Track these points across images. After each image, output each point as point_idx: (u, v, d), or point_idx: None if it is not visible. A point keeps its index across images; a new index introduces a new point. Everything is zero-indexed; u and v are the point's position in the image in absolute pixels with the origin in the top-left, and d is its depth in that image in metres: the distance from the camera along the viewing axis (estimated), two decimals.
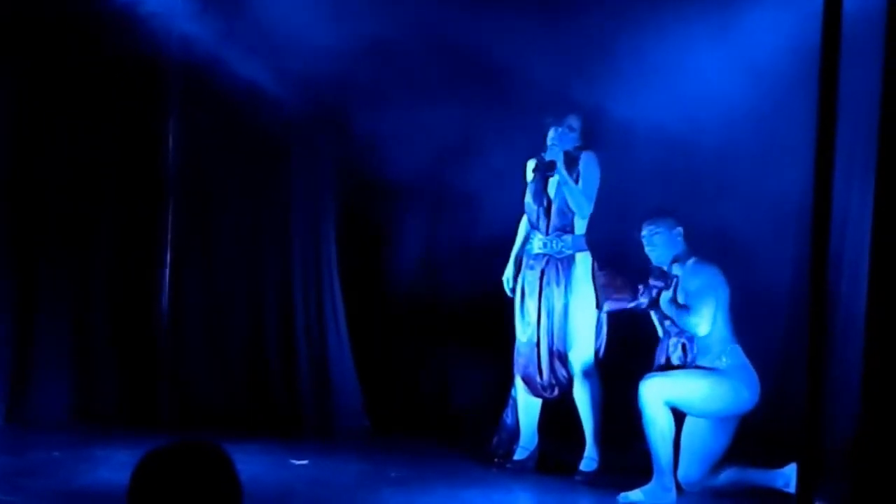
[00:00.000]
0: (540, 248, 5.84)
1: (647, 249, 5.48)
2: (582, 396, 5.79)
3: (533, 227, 5.91)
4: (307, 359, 6.88)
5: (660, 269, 5.43)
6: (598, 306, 5.67)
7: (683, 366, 5.36)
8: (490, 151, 6.20)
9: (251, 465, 5.38)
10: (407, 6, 5.88)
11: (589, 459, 5.80)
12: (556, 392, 5.83)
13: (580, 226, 5.81)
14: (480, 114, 6.11)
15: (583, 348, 5.78)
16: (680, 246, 5.44)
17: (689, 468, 5.42)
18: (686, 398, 5.29)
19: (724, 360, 5.33)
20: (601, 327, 5.77)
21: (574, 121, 5.79)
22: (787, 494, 5.07)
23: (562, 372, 5.79)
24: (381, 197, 6.87)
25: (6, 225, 6.64)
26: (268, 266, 6.96)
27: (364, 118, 6.37)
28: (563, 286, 5.75)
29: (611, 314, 5.70)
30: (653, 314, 5.54)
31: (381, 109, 6.32)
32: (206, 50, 6.10)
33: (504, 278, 6.03)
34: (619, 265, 5.70)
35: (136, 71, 6.57)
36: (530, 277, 5.85)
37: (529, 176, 5.96)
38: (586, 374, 5.78)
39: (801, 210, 5.75)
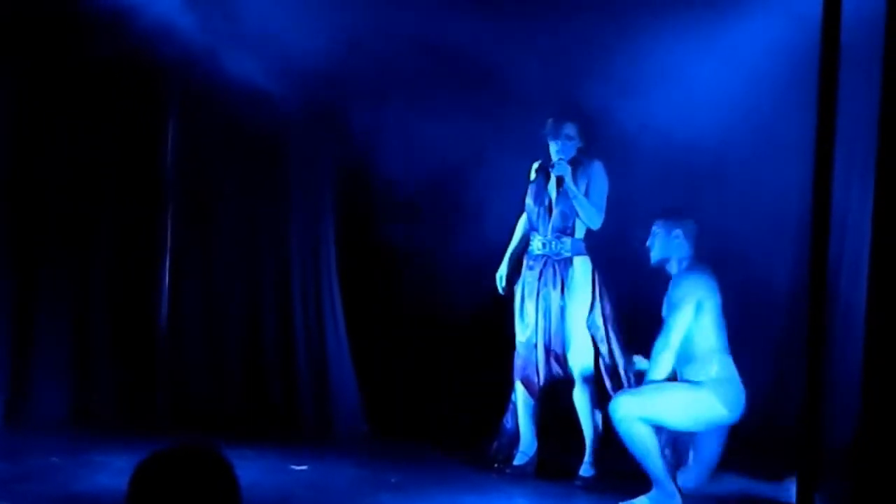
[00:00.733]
0: (539, 250, 5.85)
1: (648, 244, 5.47)
2: (582, 402, 5.78)
3: (533, 227, 5.91)
4: (306, 362, 6.87)
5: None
6: None
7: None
8: (489, 153, 6.20)
9: (250, 469, 5.37)
10: (407, 7, 5.87)
11: (589, 464, 5.79)
12: (553, 396, 5.83)
13: (580, 229, 5.81)
14: (480, 116, 6.10)
15: (581, 352, 5.77)
16: (677, 250, 5.42)
17: (685, 476, 5.39)
18: (659, 415, 5.18)
19: (710, 371, 5.25)
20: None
21: (570, 129, 5.80)
22: None
23: (557, 370, 5.78)
24: (381, 199, 6.86)
25: (5, 226, 6.63)
26: (266, 269, 6.95)
27: (363, 119, 6.37)
28: (560, 288, 5.75)
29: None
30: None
31: (381, 111, 6.32)
32: (206, 51, 6.09)
33: (497, 276, 6.04)
34: (618, 269, 5.71)
35: (136, 72, 6.56)
36: (529, 278, 5.86)
37: (532, 176, 5.96)
38: (586, 379, 5.77)
39: (800, 212, 5.74)
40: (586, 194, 5.75)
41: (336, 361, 6.88)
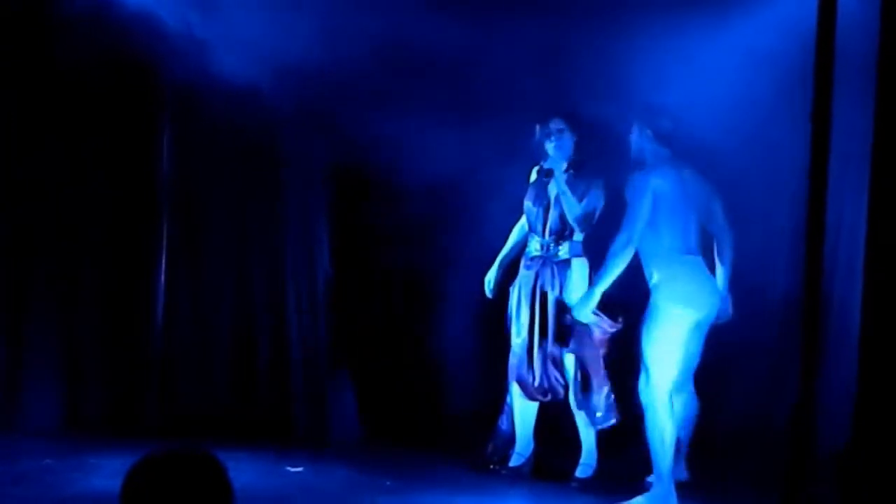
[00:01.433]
0: (537, 251, 5.84)
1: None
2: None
3: (531, 229, 5.91)
4: (300, 366, 6.86)
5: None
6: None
7: None
8: (484, 154, 6.19)
9: (244, 472, 5.37)
10: (401, 11, 5.87)
11: (585, 466, 5.79)
12: (548, 397, 5.82)
13: (578, 231, 5.81)
14: (476, 118, 6.09)
15: None
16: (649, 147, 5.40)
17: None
18: (660, 365, 5.19)
19: (667, 271, 5.24)
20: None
21: (557, 123, 5.78)
22: None
23: (555, 374, 5.77)
24: (375, 203, 6.85)
25: None
26: (260, 272, 6.93)
27: (357, 124, 6.36)
28: (558, 290, 5.75)
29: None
30: None
31: (375, 115, 6.31)
32: (198, 52, 6.08)
33: (486, 279, 6.04)
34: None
35: (128, 73, 6.55)
36: (526, 279, 5.85)
37: (532, 178, 5.97)
38: None
39: (795, 216, 5.73)
40: (581, 200, 5.74)
41: (330, 364, 6.87)
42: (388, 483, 5.75)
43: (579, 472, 5.78)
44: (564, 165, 5.77)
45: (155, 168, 6.81)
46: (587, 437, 5.79)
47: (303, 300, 6.88)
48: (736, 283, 5.54)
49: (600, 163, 5.81)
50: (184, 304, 6.91)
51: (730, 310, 5.46)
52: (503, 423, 6.03)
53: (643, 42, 5.64)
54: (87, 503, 5.23)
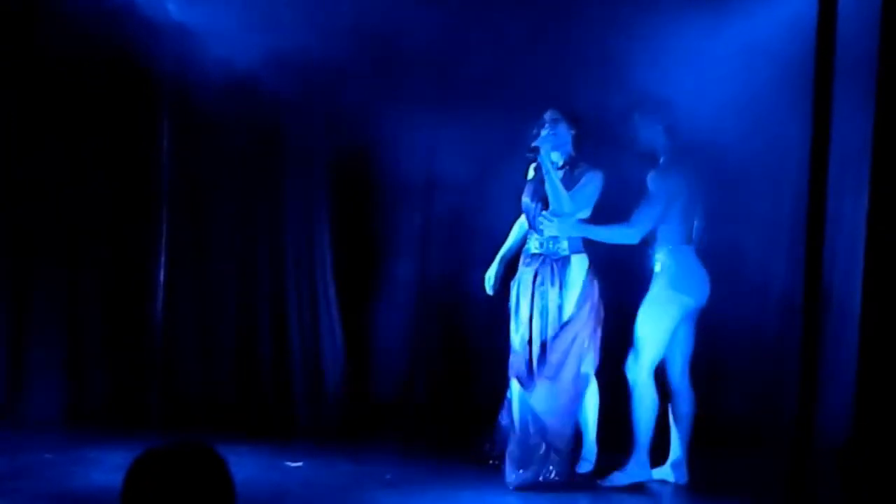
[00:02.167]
0: (536, 249, 5.83)
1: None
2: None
3: (530, 226, 5.90)
4: (301, 360, 6.87)
5: None
6: None
7: None
8: (486, 152, 6.19)
9: (245, 466, 5.38)
10: (401, 6, 5.87)
11: (585, 461, 5.80)
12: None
13: (568, 214, 5.77)
14: (477, 115, 6.09)
15: None
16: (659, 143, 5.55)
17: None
18: (649, 345, 5.50)
19: (666, 259, 5.52)
20: (596, 343, 5.74)
21: (552, 113, 5.75)
22: None
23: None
24: (376, 198, 6.86)
25: (0, 228, 6.63)
26: (261, 267, 6.94)
27: (359, 118, 6.37)
28: (557, 287, 5.74)
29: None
30: None
31: (376, 109, 6.31)
32: (199, 52, 6.09)
33: (486, 276, 6.04)
34: (616, 268, 5.72)
35: (128, 69, 6.55)
36: (525, 276, 5.84)
37: (530, 175, 5.95)
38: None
39: (795, 213, 5.74)
40: (573, 190, 5.71)
41: (331, 359, 6.88)
42: (387, 476, 5.76)
43: (580, 468, 5.78)
44: (558, 156, 5.73)
45: (159, 165, 6.80)
46: (587, 431, 5.80)
47: (304, 295, 6.89)
48: (736, 283, 5.55)
49: (599, 157, 5.81)
50: (185, 299, 6.91)
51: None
52: (503, 419, 6.03)
53: (643, 39, 5.65)
54: (87, 497, 5.24)
